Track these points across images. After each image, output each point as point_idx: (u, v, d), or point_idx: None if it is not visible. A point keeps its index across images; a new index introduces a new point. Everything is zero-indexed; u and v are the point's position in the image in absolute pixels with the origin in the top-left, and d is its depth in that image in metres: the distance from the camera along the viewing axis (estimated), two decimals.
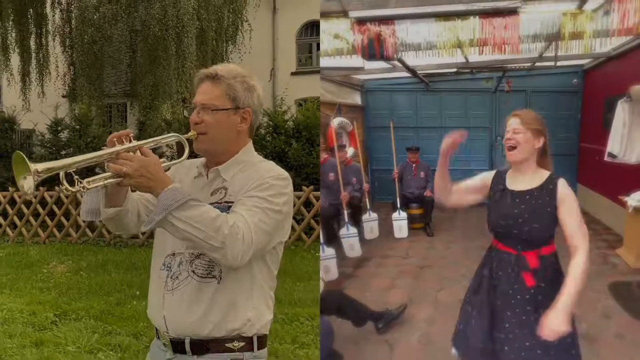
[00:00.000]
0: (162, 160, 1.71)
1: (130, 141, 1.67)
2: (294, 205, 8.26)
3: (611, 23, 3.66)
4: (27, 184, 1.54)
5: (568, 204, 2.26)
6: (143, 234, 8.41)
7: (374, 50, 4.10)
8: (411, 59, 5.74)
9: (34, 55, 13.82)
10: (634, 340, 3.75)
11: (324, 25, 3.98)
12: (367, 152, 8.96)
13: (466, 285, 4.66)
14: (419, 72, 7.46)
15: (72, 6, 13.37)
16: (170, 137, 1.82)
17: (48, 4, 13.66)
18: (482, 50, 4.20)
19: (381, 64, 6.66)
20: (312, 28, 17.15)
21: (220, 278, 1.73)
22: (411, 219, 7.04)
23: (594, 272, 5.38)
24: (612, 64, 7.39)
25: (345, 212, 5.74)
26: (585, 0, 4.12)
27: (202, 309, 1.72)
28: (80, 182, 1.60)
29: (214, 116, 1.77)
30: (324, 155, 5.87)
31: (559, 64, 7.45)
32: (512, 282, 2.29)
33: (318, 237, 8.48)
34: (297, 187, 8.97)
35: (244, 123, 1.81)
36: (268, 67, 16.58)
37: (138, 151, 1.66)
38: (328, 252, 4.76)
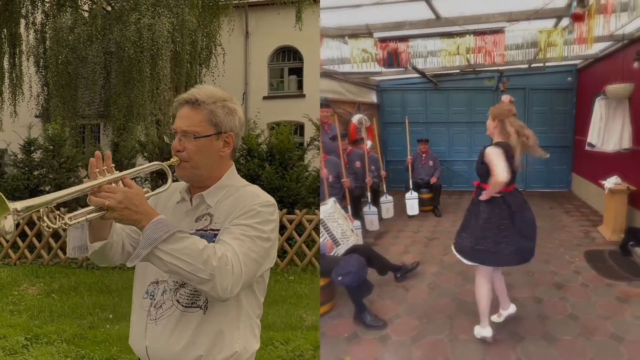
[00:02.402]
0: (144, 190, 1.64)
1: (112, 171, 1.60)
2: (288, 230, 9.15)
3: (573, 37, 4.81)
4: (8, 223, 1.47)
5: None
6: None
7: (392, 61, 5.21)
8: (420, 64, 6.85)
9: (7, 75, 13.62)
10: (594, 288, 4.73)
11: (352, 42, 5.12)
12: (382, 145, 9.81)
13: None
14: (427, 73, 8.49)
15: (47, 27, 13.26)
16: (153, 166, 1.75)
17: (22, 25, 13.54)
18: (477, 58, 5.30)
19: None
20: (283, 53, 17.33)
21: (206, 308, 1.68)
22: (421, 202, 7.94)
23: (574, 243, 6.33)
24: (601, 64, 8.25)
25: (369, 194, 6.79)
26: (560, 20, 5.22)
27: (185, 339, 1.67)
28: (62, 218, 1.53)
29: (197, 143, 1.72)
30: (349, 148, 6.95)
31: (556, 63, 8.37)
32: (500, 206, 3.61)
33: (291, 260, 8.95)
34: None
35: (226, 147, 1.78)
36: (240, 90, 16.75)
37: (120, 182, 1.59)
38: (356, 223, 5.86)
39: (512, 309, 4.01)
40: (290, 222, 9.18)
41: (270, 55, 17.44)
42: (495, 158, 3.52)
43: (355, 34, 5.05)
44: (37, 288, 7.67)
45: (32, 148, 11.51)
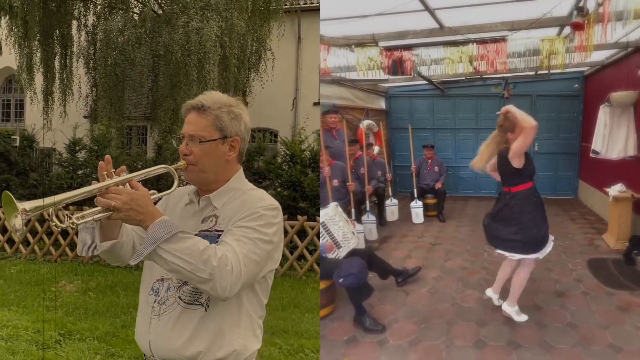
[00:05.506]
0: (151, 192, 1.71)
1: (120, 174, 1.68)
2: (307, 236, 8.88)
3: (574, 45, 4.89)
4: (18, 222, 1.54)
5: None
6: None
7: (396, 68, 5.30)
8: (424, 72, 6.92)
9: (57, 75, 13.79)
10: (594, 297, 4.71)
11: (359, 51, 5.22)
12: (390, 150, 9.86)
13: (469, 258, 5.84)
14: (434, 80, 8.55)
15: (98, 29, 13.55)
16: (160, 169, 1.81)
17: (74, 26, 13.80)
18: (479, 65, 5.38)
19: None
20: None
21: (208, 305, 1.74)
22: (426, 208, 8.02)
23: (577, 251, 6.27)
24: (607, 71, 8.24)
25: (367, 202, 6.79)
26: (563, 28, 5.28)
27: (186, 335, 1.73)
28: (70, 218, 1.61)
29: (202, 147, 1.78)
30: (358, 152, 7.03)
31: (563, 70, 8.36)
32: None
33: (311, 267, 8.81)
34: (310, 217, 9.21)
35: (232, 151, 1.84)
36: (291, 96, 16.62)
37: (128, 184, 1.67)
38: (358, 227, 5.93)
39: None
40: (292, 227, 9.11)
41: None
42: (516, 110, 3.78)
43: (361, 42, 5.16)
44: (75, 285, 7.80)
45: (77, 148, 11.63)
